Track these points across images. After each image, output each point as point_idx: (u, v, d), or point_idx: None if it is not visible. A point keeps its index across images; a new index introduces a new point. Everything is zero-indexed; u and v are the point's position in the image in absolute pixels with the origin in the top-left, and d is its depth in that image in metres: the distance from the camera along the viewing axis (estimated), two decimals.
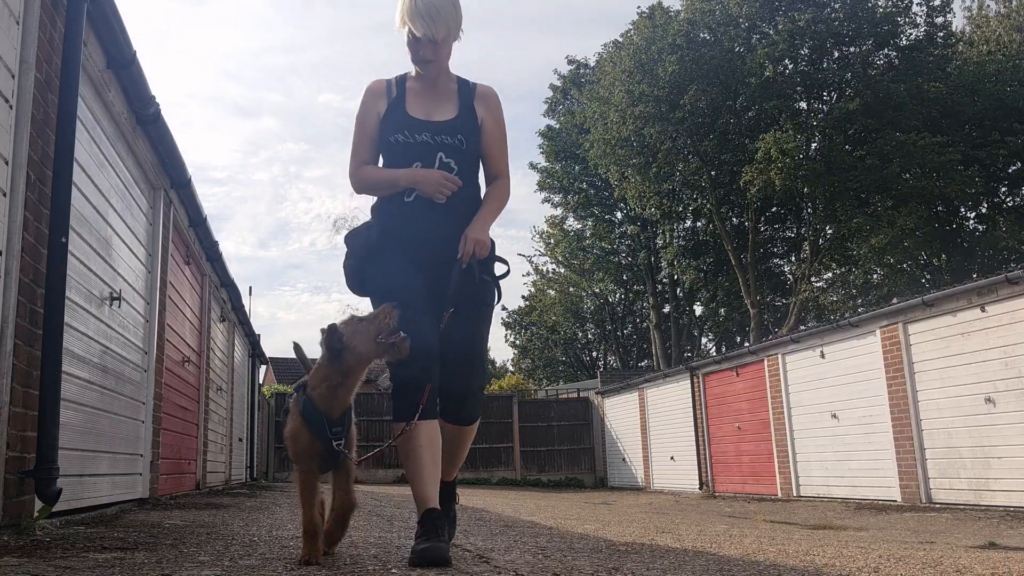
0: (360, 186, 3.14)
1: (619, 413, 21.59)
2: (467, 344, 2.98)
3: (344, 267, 3.15)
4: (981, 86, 24.91)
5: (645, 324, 36.53)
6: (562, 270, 37.36)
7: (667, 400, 18.77)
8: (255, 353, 16.60)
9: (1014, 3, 29.35)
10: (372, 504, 8.21)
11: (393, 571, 2.56)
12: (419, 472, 2.89)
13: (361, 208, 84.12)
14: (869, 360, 11.68)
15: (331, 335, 2.61)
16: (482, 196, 3.18)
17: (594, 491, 19.09)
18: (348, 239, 3.12)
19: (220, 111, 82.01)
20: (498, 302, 3.17)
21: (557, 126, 34.84)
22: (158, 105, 5.80)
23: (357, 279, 3.11)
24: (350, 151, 3.15)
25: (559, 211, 35.49)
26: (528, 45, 76.98)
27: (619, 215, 34.36)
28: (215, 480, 10.89)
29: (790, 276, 29.60)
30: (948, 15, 26.68)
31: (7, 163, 3.44)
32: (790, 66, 26.08)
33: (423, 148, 3.06)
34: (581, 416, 23.51)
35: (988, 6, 30.98)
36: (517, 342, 42.82)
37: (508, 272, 3.15)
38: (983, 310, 9.73)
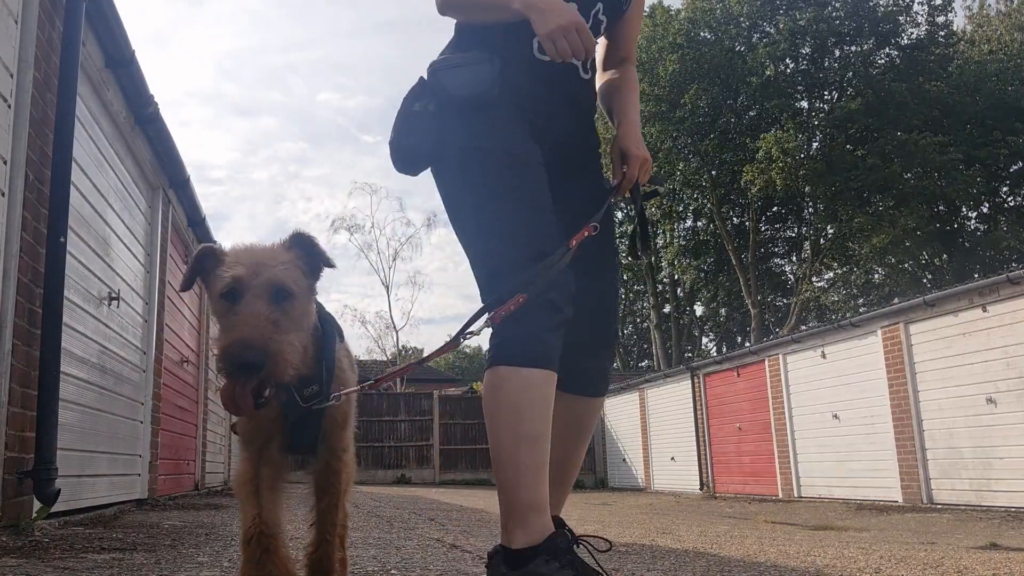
0: None
1: (619, 413, 21.56)
2: (611, 290, 2.09)
3: (404, 116, 1.95)
4: (982, 85, 24.90)
5: (645, 324, 36.54)
6: None
7: (667, 400, 18.75)
8: None
9: (1015, 2, 29.31)
10: (371, 505, 8.20)
11: (393, 571, 2.55)
12: (534, 448, 1.75)
13: (360, 207, 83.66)
14: (870, 360, 11.66)
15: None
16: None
17: (594, 491, 19.08)
18: (442, 70, 1.92)
19: (219, 110, 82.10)
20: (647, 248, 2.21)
21: None
22: (156, 104, 5.79)
23: (429, 138, 1.93)
24: None
25: None
26: None
27: (619, 215, 34.36)
28: (214, 480, 10.87)
29: (791, 276, 29.59)
30: (949, 14, 26.77)
31: (5, 163, 3.43)
32: (791, 65, 26.08)
33: None
34: None
35: (989, 5, 31.00)
36: None
37: (657, 193, 2.20)
38: (984, 310, 9.71)
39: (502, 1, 1.89)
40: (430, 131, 1.92)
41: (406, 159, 1.98)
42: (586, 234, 1.89)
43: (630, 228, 2.16)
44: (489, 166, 1.87)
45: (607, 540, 1.90)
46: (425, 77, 1.96)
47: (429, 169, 2.03)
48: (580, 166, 2.08)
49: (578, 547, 1.81)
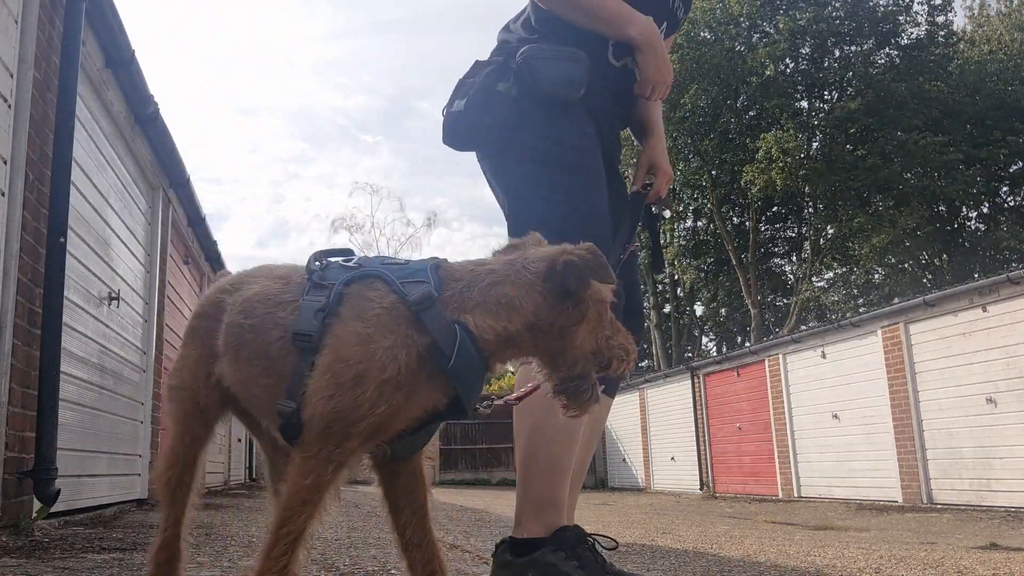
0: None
1: (619, 413, 21.55)
2: (638, 291, 2.26)
3: (486, 93, 1.93)
4: (982, 85, 24.89)
5: (645, 324, 36.58)
6: None
7: (668, 400, 18.75)
8: None
9: (1015, 2, 29.31)
10: (371, 505, 8.20)
11: (393, 571, 2.55)
12: (571, 448, 1.85)
13: (360, 207, 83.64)
14: (870, 360, 11.66)
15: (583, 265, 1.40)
16: None
17: (594, 492, 19.08)
18: (537, 59, 1.92)
19: (219, 110, 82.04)
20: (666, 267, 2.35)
21: None
22: (157, 104, 5.78)
23: (505, 122, 1.93)
24: None
25: None
26: None
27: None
28: (214, 481, 10.87)
29: (791, 276, 29.58)
30: (949, 14, 26.68)
31: (5, 163, 3.43)
32: (791, 65, 26.07)
33: None
34: None
35: (989, 5, 30.97)
36: None
37: (663, 217, 2.46)
38: (984, 310, 9.71)
39: (617, 23, 1.96)
40: (508, 115, 1.93)
41: (469, 135, 2.00)
42: (632, 250, 2.05)
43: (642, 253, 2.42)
44: (562, 166, 1.94)
45: (613, 539, 1.92)
46: (516, 61, 1.95)
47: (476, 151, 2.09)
48: (614, 167, 2.18)
49: (587, 545, 1.83)
